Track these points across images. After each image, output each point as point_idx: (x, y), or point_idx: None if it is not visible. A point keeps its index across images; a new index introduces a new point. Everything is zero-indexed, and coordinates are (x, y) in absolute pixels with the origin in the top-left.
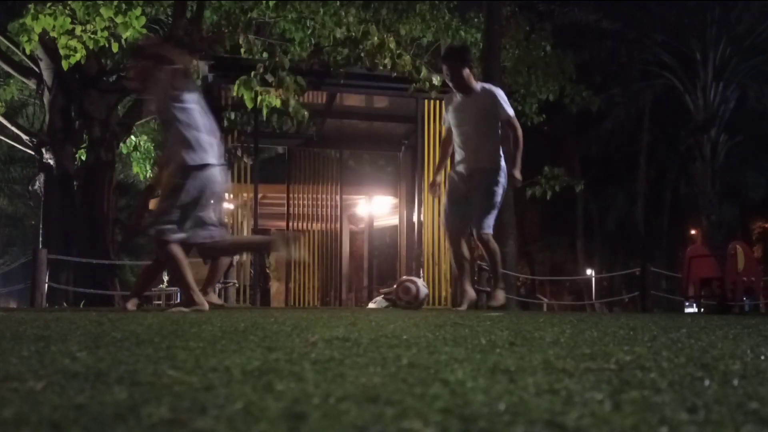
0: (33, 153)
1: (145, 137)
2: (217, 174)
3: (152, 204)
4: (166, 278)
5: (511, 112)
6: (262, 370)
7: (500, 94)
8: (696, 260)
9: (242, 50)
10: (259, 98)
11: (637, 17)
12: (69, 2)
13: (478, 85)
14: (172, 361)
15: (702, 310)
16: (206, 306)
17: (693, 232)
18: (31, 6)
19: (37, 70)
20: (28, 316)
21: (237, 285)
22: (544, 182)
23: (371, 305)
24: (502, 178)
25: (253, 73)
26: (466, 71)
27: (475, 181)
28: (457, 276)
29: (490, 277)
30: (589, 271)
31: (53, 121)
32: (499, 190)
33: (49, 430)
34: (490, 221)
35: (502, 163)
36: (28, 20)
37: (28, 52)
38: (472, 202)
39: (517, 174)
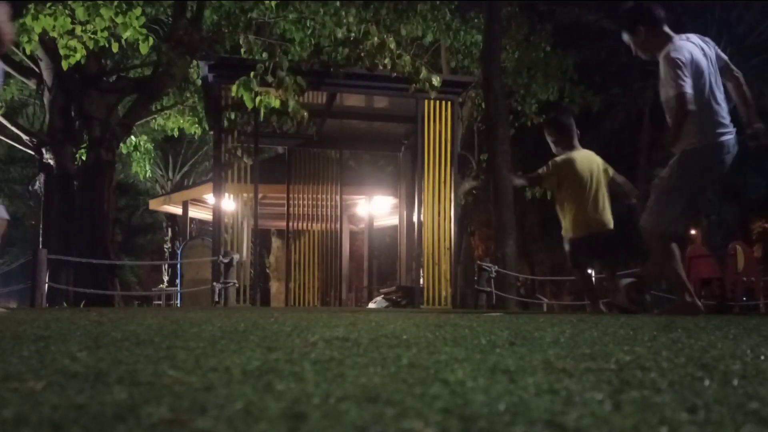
0: (33, 153)
1: (145, 137)
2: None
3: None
4: (165, 278)
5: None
6: (262, 370)
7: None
8: (696, 260)
9: (242, 50)
10: (258, 98)
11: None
12: (69, 2)
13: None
14: (172, 361)
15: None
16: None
17: (693, 232)
18: (31, 6)
19: (37, 70)
20: (28, 316)
21: (237, 285)
22: None
23: (371, 305)
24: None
25: (252, 74)
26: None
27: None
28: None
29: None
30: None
31: (53, 121)
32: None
33: (49, 430)
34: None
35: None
36: (28, 20)
37: (28, 52)
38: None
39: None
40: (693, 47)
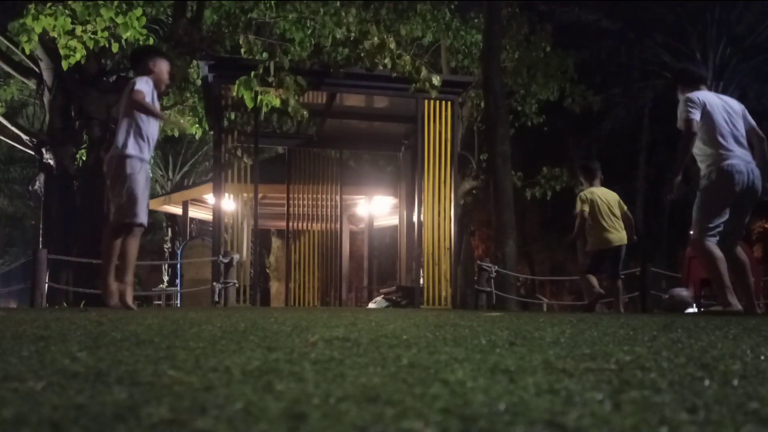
0: (33, 153)
1: None
2: None
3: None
4: (165, 278)
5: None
6: (262, 370)
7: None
8: (696, 260)
9: (242, 50)
10: (259, 98)
11: (637, 17)
12: (69, 2)
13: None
14: (172, 361)
15: (702, 310)
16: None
17: (692, 232)
18: (31, 6)
19: (37, 70)
20: (28, 316)
21: (237, 285)
22: (543, 182)
23: (371, 305)
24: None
25: (253, 73)
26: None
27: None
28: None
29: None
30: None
31: (53, 121)
32: None
33: (49, 430)
34: None
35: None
36: (28, 20)
37: (28, 52)
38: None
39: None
40: (707, 94)
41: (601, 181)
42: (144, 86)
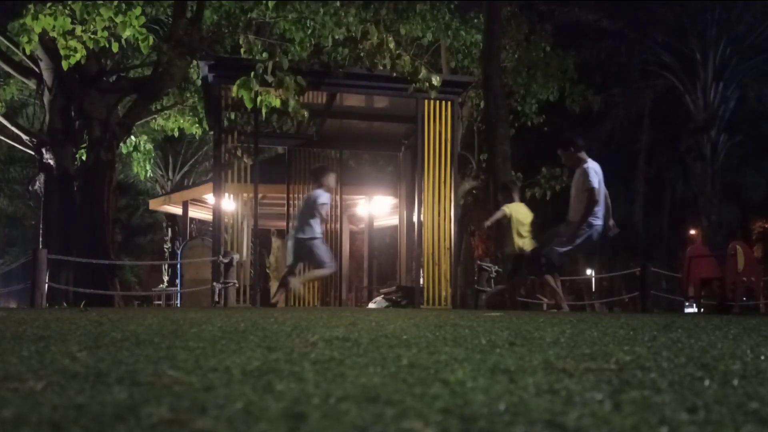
0: (33, 153)
1: (145, 137)
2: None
3: None
4: (165, 278)
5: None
6: (262, 370)
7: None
8: (696, 260)
9: (242, 50)
10: (259, 98)
11: (637, 17)
12: (69, 2)
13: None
14: (172, 361)
15: (702, 310)
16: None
17: (693, 232)
18: (31, 6)
19: (37, 70)
20: (28, 316)
21: (237, 285)
22: (543, 182)
23: (371, 305)
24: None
25: (253, 74)
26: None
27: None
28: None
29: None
30: (589, 271)
31: (53, 121)
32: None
33: (49, 430)
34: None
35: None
36: (28, 20)
37: (28, 52)
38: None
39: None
40: (598, 167)
41: (519, 199)
42: (327, 199)
